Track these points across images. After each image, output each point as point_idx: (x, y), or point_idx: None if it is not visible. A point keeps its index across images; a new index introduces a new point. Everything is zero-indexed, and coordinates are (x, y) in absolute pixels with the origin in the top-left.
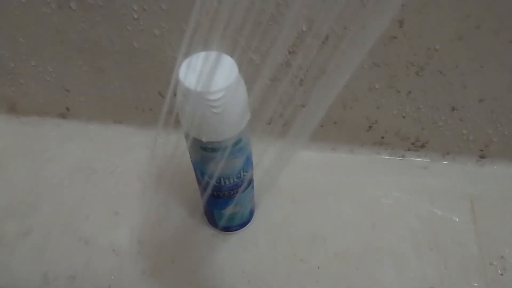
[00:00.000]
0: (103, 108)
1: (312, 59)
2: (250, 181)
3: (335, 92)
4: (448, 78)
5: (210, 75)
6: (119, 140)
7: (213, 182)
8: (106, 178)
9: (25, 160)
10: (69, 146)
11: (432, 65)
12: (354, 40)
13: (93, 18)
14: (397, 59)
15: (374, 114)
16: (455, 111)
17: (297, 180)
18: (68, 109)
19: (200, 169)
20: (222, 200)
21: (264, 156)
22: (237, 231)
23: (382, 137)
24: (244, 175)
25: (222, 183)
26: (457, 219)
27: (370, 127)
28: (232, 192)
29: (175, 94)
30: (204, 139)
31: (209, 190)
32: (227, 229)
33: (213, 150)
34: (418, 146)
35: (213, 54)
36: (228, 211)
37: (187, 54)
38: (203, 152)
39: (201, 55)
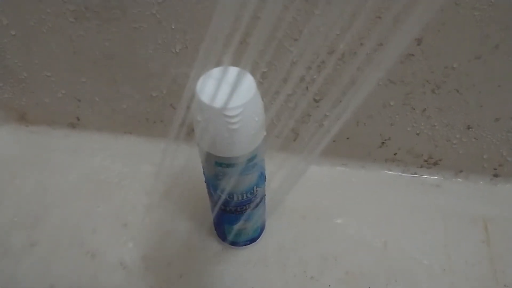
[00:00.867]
0: (114, 118)
1: (328, 75)
2: (262, 197)
3: (350, 110)
4: (465, 97)
5: (228, 90)
6: (129, 151)
7: (225, 197)
8: (115, 190)
9: (34, 170)
10: (78, 156)
11: (449, 84)
12: (371, 57)
13: (108, 30)
14: (413, 77)
15: (388, 130)
16: (470, 129)
17: (307, 196)
18: (78, 119)
19: (213, 184)
20: (233, 215)
21: (276, 172)
22: (247, 246)
23: (395, 154)
24: (257, 191)
25: (235, 199)
26: (471, 239)
27: (383, 143)
28: (244, 208)
29: (188, 107)
30: (219, 155)
31: (220, 205)
32: (237, 244)
33: (228, 165)
34: (431, 163)
35: (231, 70)
36: (239, 226)
37: (203, 69)
38: (218, 167)
39: (219, 70)
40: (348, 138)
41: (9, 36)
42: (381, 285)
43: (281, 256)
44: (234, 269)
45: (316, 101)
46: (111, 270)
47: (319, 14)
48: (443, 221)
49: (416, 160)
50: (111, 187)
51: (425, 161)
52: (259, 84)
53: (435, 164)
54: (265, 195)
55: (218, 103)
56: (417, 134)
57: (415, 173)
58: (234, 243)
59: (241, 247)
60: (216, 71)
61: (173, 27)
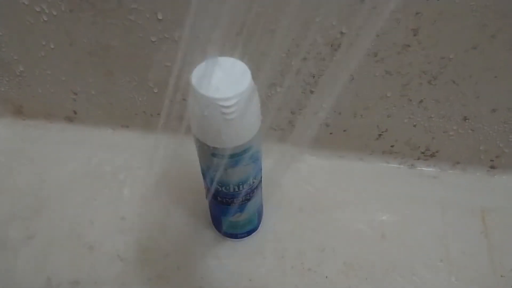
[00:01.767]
0: (111, 112)
1: (324, 66)
2: (259, 188)
3: (347, 101)
4: (461, 88)
5: (224, 81)
6: (126, 145)
7: (221, 189)
8: (112, 183)
9: (30, 164)
10: (75, 150)
11: (446, 74)
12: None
13: (104, 22)
14: (410, 68)
15: (385, 122)
16: (467, 120)
17: (305, 188)
18: (75, 113)
19: (210, 175)
20: (230, 207)
21: (273, 163)
22: (244, 238)
23: (392, 146)
24: (253, 182)
25: (231, 190)
26: (468, 230)
27: (380, 135)
28: (240, 199)
29: (184, 99)
30: (215, 146)
31: (217, 197)
32: (234, 236)
33: (224, 157)
34: (428, 155)
35: (226, 60)
36: (236, 218)
37: (199, 59)
38: (214, 158)
39: (214, 60)
40: (345, 130)
41: (4, 29)
42: (379, 276)
43: (278, 248)
44: (231, 261)
45: (312, 92)
46: (109, 262)
47: (315, 5)
48: (441, 213)
49: (413, 152)
50: (108, 180)
51: (422, 153)
52: (255, 75)
53: (432, 156)
54: (262, 187)
55: (214, 93)
56: (414, 125)
57: (412, 165)
58: (231, 235)
59: (238, 239)
60: (211, 62)
61: (169, 18)
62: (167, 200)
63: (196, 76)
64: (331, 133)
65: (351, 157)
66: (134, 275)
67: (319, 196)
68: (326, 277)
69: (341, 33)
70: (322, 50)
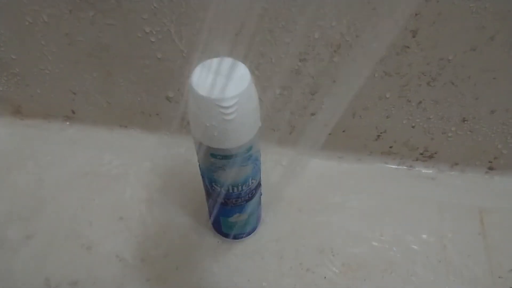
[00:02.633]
0: (109, 111)
1: (324, 67)
2: (258, 189)
3: (346, 102)
4: (460, 89)
5: (223, 81)
6: (125, 145)
7: (221, 189)
8: (111, 183)
9: (29, 163)
10: (73, 149)
11: (444, 76)
12: (366, 48)
13: (103, 22)
14: (409, 69)
15: (384, 123)
16: (466, 122)
17: (304, 188)
18: (73, 112)
19: (209, 176)
20: (229, 207)
21: (271, 164)
22: (243, 239)
23: (391, 147)
24: (252, 183)
25: (230, 191)
26: (466, 231)
27: (378, 136)
28: (239, 200)
29: (183, 99)
30: (214, 146)
31: (216, 198)
32: (233, 236)
33: (223, 157)
34: (427, 156)
35: (226, 61)
36: (235, 218)
37: (198, 60)
38: (213, 159)
39: (214, 61)
40: (344, 131)
41: (2, 28)
42: (377, 277)
43: (277, 249)
44: (230, 262)
45: (312, 93)
46: (107, 263)
47: (315, 6)
48: (439, 213)
49: (412, 153)
50: (107, 180)
51: (421, 154)
52: (254, 75)
53: (431, 157)
54: (261, 187)
55: (213, 94)
56: (413, 126)
57: (411, 166)
58: (230, 236)
59: (237, 239)
60: (211, 62)
61: (168, 18)
62: (166, 201)
63: (195, 76)
64: (330, 134)
65: (350, 158)
66: (133, 275)
67: (318, 196)
68: (325, 277)
69: (341, 34)
70: (321, 51)
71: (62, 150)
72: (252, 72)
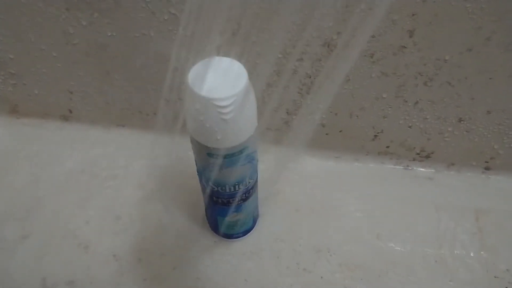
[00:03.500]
0: (107, 111)
1: (320, 66)
2: (255, 189)
3: (342, 101)
4: (457, 89)
5: (220, 81)
6: (122, 144)
7: (217, 188)
8: (108, 183)
9: (26, 163)
10: (70, 149)
11: (441, 76)
12: (362, 48)
13: (101, 21)
14: (406, 69)
15: (380, 123)
16: (462, 122)
17: (301, 188)
18: (70, 111)
19: (205, 175)
20: (226, 207)
21: (268, 164)
22: (240, 238)
23: (387, 147)
24: (249, 182)
25: (227, 190)
26: (462, 231)
27: (375, 136)
28: (236, 199)
29: (181, 99)
30: (211, 146)
31: (213, 197)
32: (230, 236)
33: (220, 157)
34: (423, 156)
35: (223, 60)
36: (232, 218)
37: (195, 59)
38: (210, 158)
39: (211, 60)
40: (341, 131)
41: (0, 27)
42: (374, 277)
43: (274, 248)
44: (227, 261)
45: (309, 93)
46: (104, 262)
47: (311, 6)
48: (436, 213)
49: (409, 153)
50: (104, 179)
51: (418, 154)
52: (251, 75)
53: (428, 157)
54: (257, 187)
55: (210, 93)
56: (410, 127)
57: (408, 166)
58: (227, 235)
59: (234, 239)
60: (208, 62)
61: (166, 18)
62: (163, 200)
63: (192, 75)
64: (327, 134)
65: (346, 158)
66: (130, 275)
67: (315, 196)
68: (322, 277)
69: (338, 33)
70: (318, 50)
71: (59, 150)
72: (249, 71)
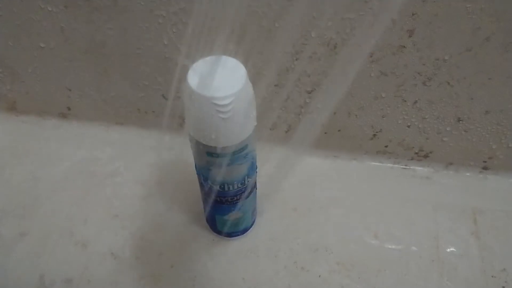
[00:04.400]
0: (105, 109)
1: (320, 65)
2: (254, 187)
3: (342, 100)
4: (455, 89)
5: (219, 80)
6: (120, 142)
7: (216, 187)
8: (106, 181)
9: (24, 160)
10: (69, 146)
11: (440, 76)
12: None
13: (99, 19)
14: (405, 69)
15: (379, 122)
16: (460, 122)
17: (299, 187)
18: (69, 109)
19: (204, 174)
20: (224, 206)
21: (267, 163)
22: (238, 237)
23: (386, 146)
24: (248, 181)
25: (226, 189)
26: (460, 231)
27: (374, 135)
28: (235, 198)
29: (179, 97)
30: (210, 144)
31: (212, 196)
32: (228, 235)
33: (219, 155)
34: (422, 156)
35: (222, 59)
36: (230, 217)
37: (194, 58)
38: (209, 157)
39: (210, 59)
40: (339, 130)
41: None
42: (371, 276)
43: (272, 247)
44: (225, 260)
45: (308, 92)
46: (102, 260)
47: (310, 4)
48: (433, 213)
49: (407, 153)
50: (102, 177)
51: (416, 153)
52: (250, 74)
53: (426, 156)
54: (256, 186)
55: (210, 92)
56: (408, 126)
57: (406, 165)
58: (225, 234)
59: (232, 237)
60: (207, 60)
61: (164, 15)
62: (161, 198)
63: (192, 74)
64: (325, 133)
65: (345, 157)
66: (128, 273)
67: (313, 195)
68: (319, 276)
69: (337, 33)
70: (318, 50)
71: (57, 147)
72: (248, 70)
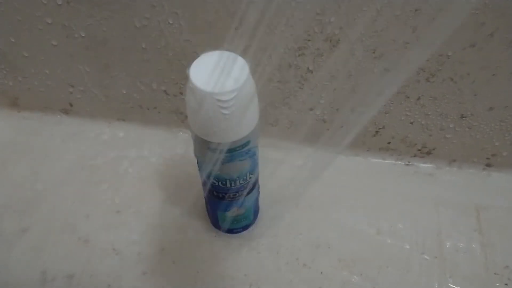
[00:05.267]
0: (107, 105)
1: (322, 61)
2: (256, 184)
3: (339, 95)
4: (459, 86)
5: (222, 75)
6: (122, 138)
7: (218, 183)
8: (108, 176)
9: (26, 156)
10: (71, 142)
11: (443, 72)
12: (365, 43)
13: (101, 14)
14: (408, 65)
15: (382, 119)
16: (464, 118)
17: (301, 184)
18: (71, 105)
19: (206, 169)
20: (226, 202)
21: (270, 159)
22: (240, 233)
23: (389, 143)
24: (250, 177)
25: (228, 185)
26: (463, 228)
27: (377, 132)
28: (237, 195)
29: (181, 93)
30: (212, 140)
31: (213, 192)
32: (230, 231)
33: (221, 151)
34: (425, 152)
35: (224, 54)
36: (232, 213)
37: (197, 53)
38: (211, 153)
39: (212, 54)
40: (342, 127)
41: (0, 21)
42: (373, 272)
43: (274, 244)
44: (226, 256)
45: (311, 88)
46: (104, 256)
47: (314, 0)
48: (436, 210)
49: (410, 149)
50: (104, 173)
51: (419, 150)
52: (253, 70)
53: (429, 153)
54: (258, 182)
55: (212, 88)
56: (411, 123)
57: (409, 162)
58: (227, 230)
59: (234, 234)
60: (209, 56)
61: (166, 11)
62: (163, 194)
63: (194, 70)
64: (328, 129)
65: (347, 153)
66: (129, 269)
67: (315, 192)
68: (321, 273)
69: (340, 28)
70: (320, 46)
71: (59, 143)
72: (250, 66)
